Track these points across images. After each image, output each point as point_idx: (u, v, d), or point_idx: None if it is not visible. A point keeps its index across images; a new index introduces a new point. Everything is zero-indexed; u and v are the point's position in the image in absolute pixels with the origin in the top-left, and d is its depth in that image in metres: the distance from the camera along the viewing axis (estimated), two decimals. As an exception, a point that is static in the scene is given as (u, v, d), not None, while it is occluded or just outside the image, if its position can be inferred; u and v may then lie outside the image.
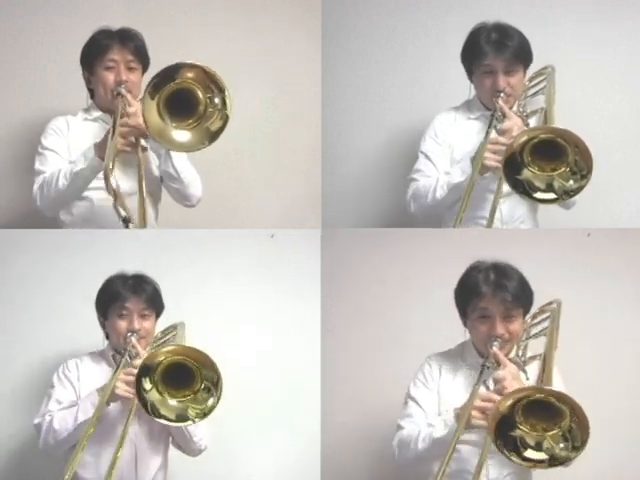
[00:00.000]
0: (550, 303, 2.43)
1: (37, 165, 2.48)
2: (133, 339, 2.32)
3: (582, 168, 2.19)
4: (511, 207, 2.58)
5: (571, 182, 2.22)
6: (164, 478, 2.44)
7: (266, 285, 2.87)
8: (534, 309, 2.41)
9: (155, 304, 2.40)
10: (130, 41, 2.45)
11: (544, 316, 2.40)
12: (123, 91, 2.38)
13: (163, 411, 2.12)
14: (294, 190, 3.07)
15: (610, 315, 2.90)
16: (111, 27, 2.46)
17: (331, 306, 2.86)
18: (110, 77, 2.44)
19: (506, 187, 2.36)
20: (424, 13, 3.08)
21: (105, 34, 2.46)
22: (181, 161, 2.44)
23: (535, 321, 2.40)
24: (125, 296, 2.36)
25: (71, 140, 2.50)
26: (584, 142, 2.16)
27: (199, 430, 2.34)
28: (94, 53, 2.45)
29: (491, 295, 2.28)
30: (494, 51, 2.50)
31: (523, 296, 2.31)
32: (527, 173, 2.24)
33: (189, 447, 2.38)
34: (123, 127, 2.25)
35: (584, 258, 2.92)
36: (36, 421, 2.30)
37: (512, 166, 2.22)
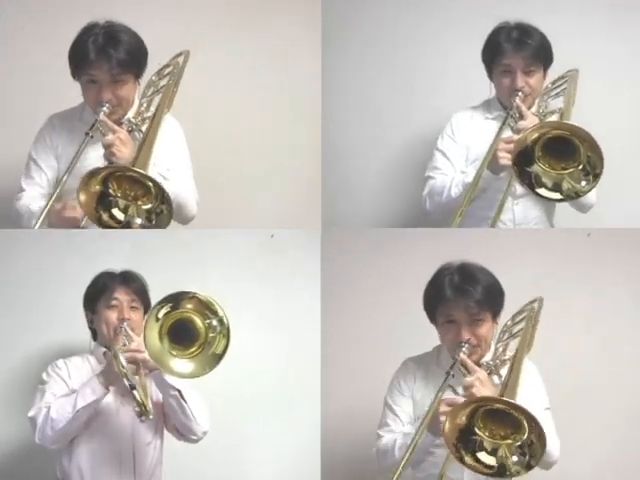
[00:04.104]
0: (532, 301, 2.41)
1: (22, 178, 2.48)
2: (125, 325, 2.33)
3: (595, 166, 2.19)
4: (525, 209, 2.58)
5: (583, 183, 2.22)
6: (160, 474, 2.43)
7: (266, 285, 2.86)
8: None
9: (144, 297, 2.40)
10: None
11: (523, 315, 2.36)
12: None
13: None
14: (294, 190, 3.07)
15: (610, 315, 2.90)
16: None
17: (331, 306, 2.86)
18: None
19: (520, 189, 2.38)
20: (425, 13, 3.08)
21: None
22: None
23: (515, 321, 2.36)
24: (114, 287, 2.38)
25: (60, 150, 2.48)
26: (595, 139, 2.16)
27: (201, 412, 2.31)
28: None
29: (454, 301, 2.23)
30: (513, 49, 2.48)
31: (489, 300, 2.25)
32: (537, 168, 2.25)
33: (190, 431, 2.31)
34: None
35: (584, 258, 2.92)
36: (31, 414, 2.25)
37: (523, 158, 2.24)
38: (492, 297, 2.27)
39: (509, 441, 2.03)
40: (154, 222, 2.18)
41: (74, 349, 2.53)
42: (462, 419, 2.01)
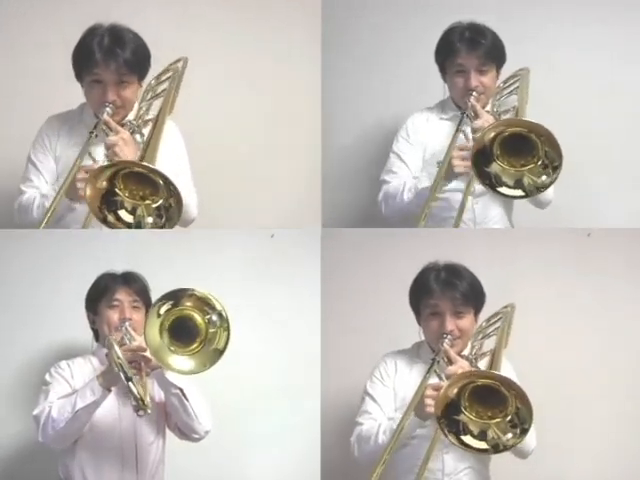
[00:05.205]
0: (505, 307, 2.51)
1: (20, 183, 2.46)
2: (127, 325, 2.33)
3: (553, 160, 2.20)
4: (485, 208, 2.60)
5: (543, 177, 2.23)
6: (162, 473, 2.43)
7: (266, 285, 2.87)
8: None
9: (145, 297, 2.41)
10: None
11: (497, 317, 2.48)
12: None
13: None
14: (294, 190, 3.07)
15: (610, 315, 2.90)
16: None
17: (331, 306, 2.86)
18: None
19: (479, 187, 2.38)
20: (425, 14, 3.08)
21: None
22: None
23: (490, 322, 2.47)
24: (115, 287, 2.38)
25: (59, 151, 2.47)
26: (552, 133, 2.17)
27: (202, 411, 2.31)
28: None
29: (440, 293, 2.34)
30: (467, 49, 2.50)
31: (473, 295, 2.36)
32: (496, 167, 2.26)
33: (192, 429, 2.32)
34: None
35: (584, 258, 2.92)
36: (35, 412, 2.26)
37: (482, 158, 2.24)
38: (476, 293, 2.38)
39: (498, 419, 2.11)
40: (164, 219, 2.15)
41: (75, 349, 2.54)
42: (453, 391, 2.11)
